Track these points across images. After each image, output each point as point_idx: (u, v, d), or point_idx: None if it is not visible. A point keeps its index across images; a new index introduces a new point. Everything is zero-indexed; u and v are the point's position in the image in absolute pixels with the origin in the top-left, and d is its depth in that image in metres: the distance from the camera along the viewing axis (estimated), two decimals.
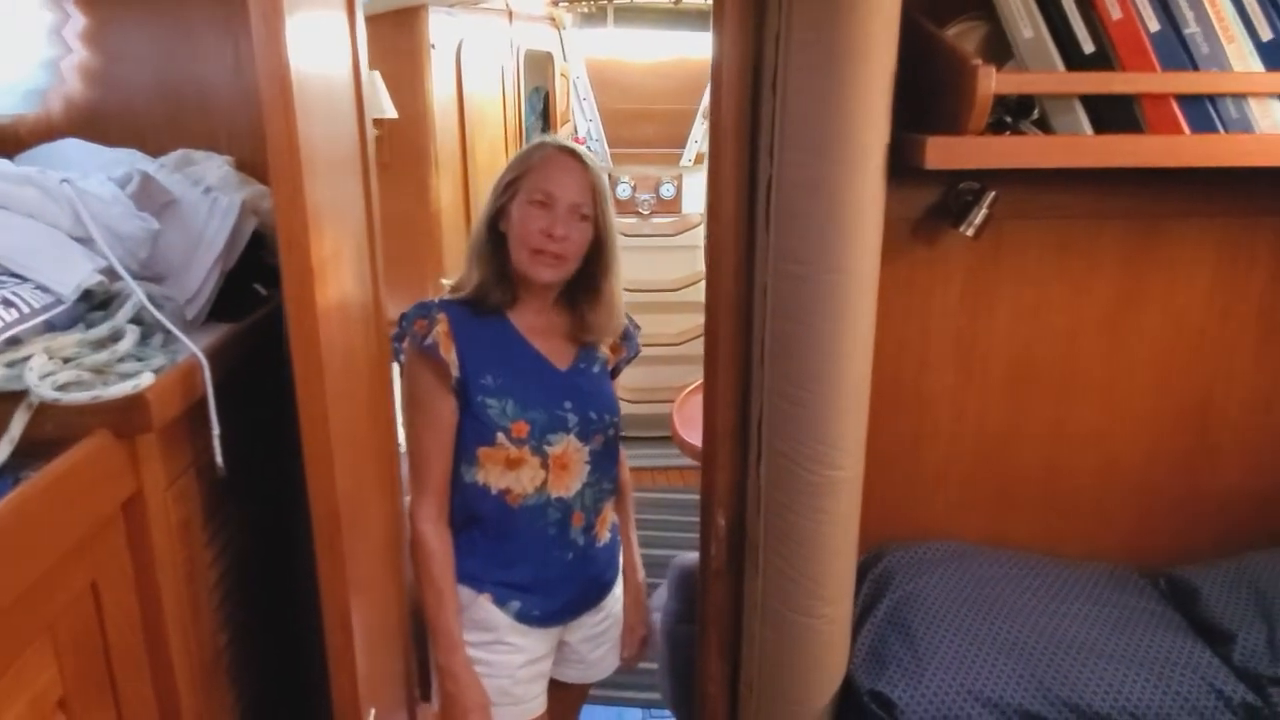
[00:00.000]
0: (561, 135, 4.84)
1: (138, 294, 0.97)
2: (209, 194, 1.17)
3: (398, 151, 3.30)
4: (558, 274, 1.47)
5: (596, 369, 1.60)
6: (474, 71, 3.72)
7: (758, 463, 1.45)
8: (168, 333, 0.99)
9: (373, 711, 1.16)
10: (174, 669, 0.97)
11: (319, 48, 1.11)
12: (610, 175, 5.11)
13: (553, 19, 4.64)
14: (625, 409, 4.79)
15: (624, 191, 4.99)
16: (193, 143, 1.40)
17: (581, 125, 5.01)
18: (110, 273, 0.99)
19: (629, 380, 4.65)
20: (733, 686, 1.67)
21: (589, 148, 5.05)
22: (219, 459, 1.00)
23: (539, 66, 4.64)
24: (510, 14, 4.11)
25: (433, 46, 3.29)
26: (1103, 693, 1.40)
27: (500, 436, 1.46)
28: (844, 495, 1.38)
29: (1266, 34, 1.28)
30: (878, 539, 1.73)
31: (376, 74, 3.11)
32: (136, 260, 1.05)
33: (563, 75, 4.81)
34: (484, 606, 1.52)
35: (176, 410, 0.97)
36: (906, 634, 1.51)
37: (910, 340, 1.67)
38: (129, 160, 1.22)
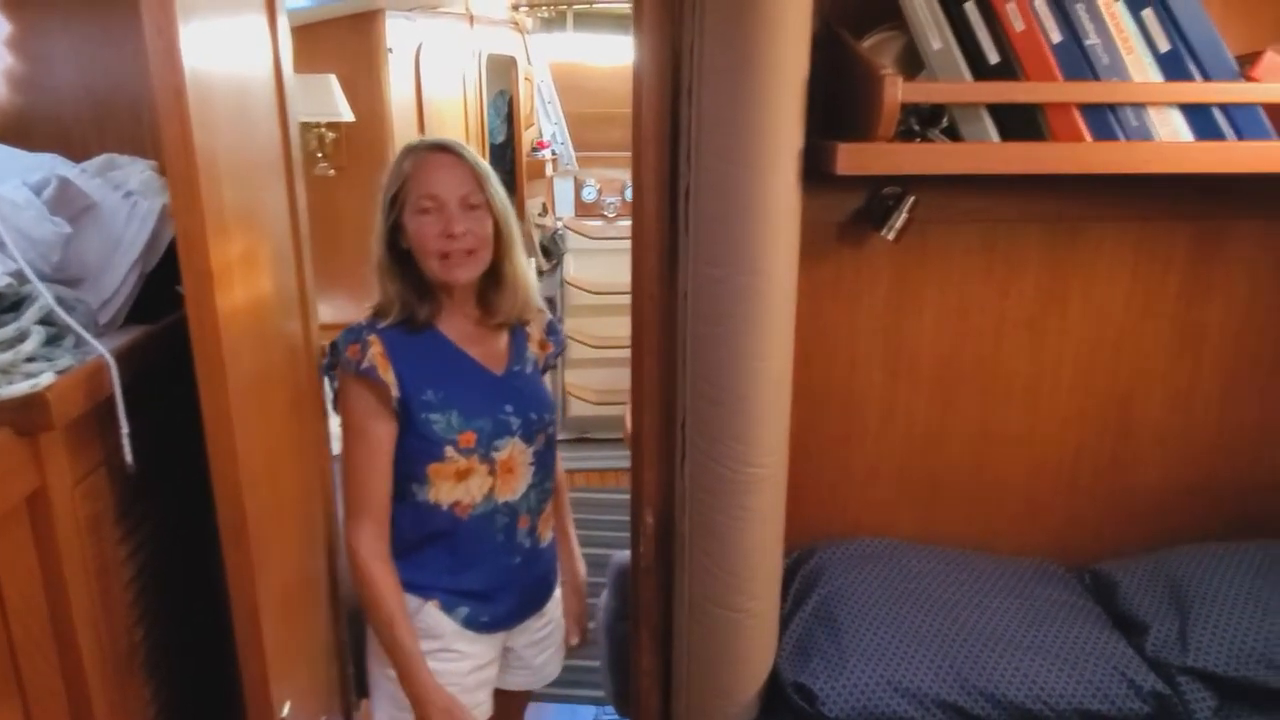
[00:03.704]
0: (526, 138, 4.86)
1: (45, 297, 0.99)
2: (129, 198, 1.19)
3: (354, 155, 3.31)
4: (473, 270, 1.46)
5: (530, 369, 1.61)
6: (433, 75, 3.73)
7: (682, 462, 1.48)
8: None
9: (287, 705, 1.18)
10: (83, 662, 0.98)
11: (229, 51, 1.12)
12: (576, 178, 5.13)
13: (515, 23, 4.66)
14: (587, 410, 4.81)
15: (589, 194, 5.02)
16: (119, 147, 1.40)
17: (546, 129, 5.03)
18: (21, 276, 1.00)
19: (591, 382, 4.68)
20: (667, 681, 1.70)
21: (554, 151, 5.08)
22: (128, 457, 1.02)
23: (502, 70, 4.65)
24: (471, 18, 4.12)
25: (390, 50, 3.30)
26: (1018, 683, 1.45)
27: (449, 450, 1.45)
28: (765, 492, 1.41)
29: (1164, 45, 1.33)
30: (810, 536, 1.77)
31: (332, 77, 3.12)
32: (49, 264, 1.07)
33: (527, 79, 4.83)
34: (430, 613, 1.51)
35: (81, 409, 0.98)
36: (832, 628, 1.55)
37: (839, 341, 1.71)
38: (49, 165, 1.23)
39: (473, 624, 1.54)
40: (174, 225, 1.08)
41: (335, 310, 3.41)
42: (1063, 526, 1.83)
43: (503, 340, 1.58)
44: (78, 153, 1.37)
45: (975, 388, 1.75)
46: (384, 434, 1.44)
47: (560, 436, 4.74)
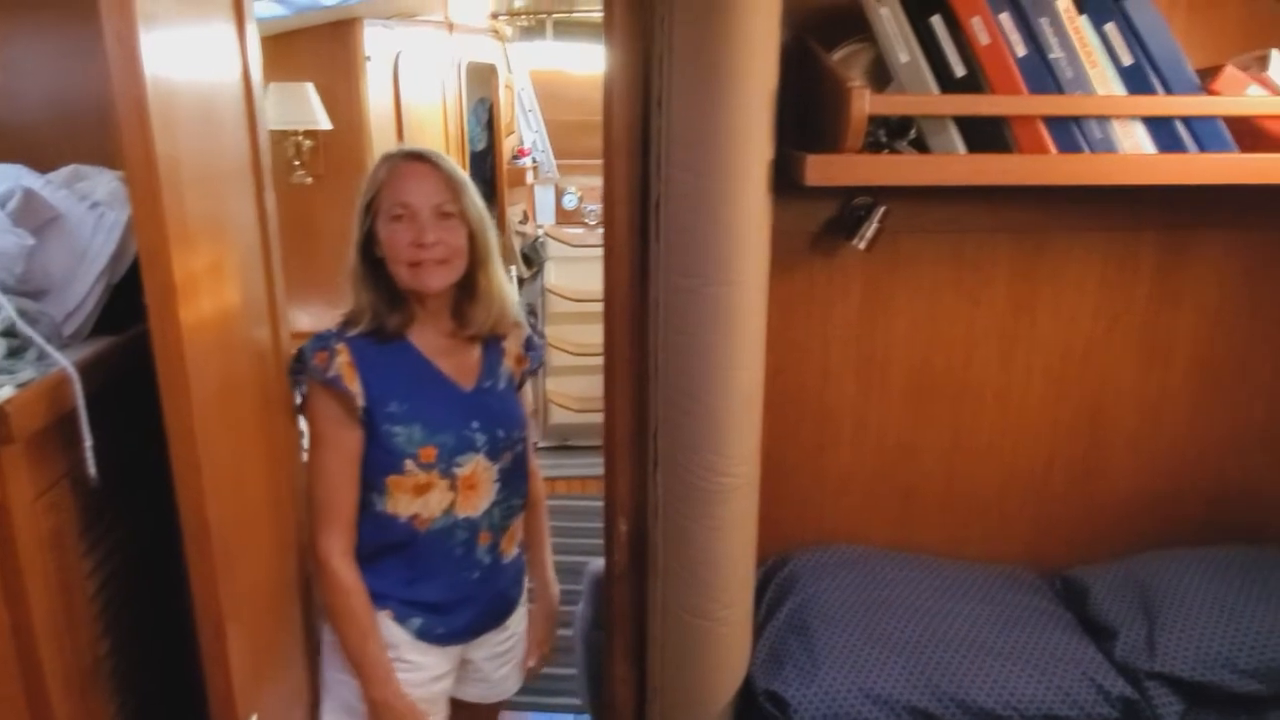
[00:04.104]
0: (507, 146, 4.86)
1: (8, 309, 0.98)
2: (95, 209, 1.18)
3: (332, 163, 3.31)
4: (446, 279, 1.45)
5: (503, 385, 1.59)
6: (412, 83, 3.73)
7: (655, 470, 1.48)
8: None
9: (254, 717, 1.17)
10: (45, 677, 0.97)
11: (195, 58, 1.12)
12: (557, 186, 5.14)
13: (495, 31, 4.66)
14: (568, 418, 4.79)
15: (570, 202, 5.03)
16: (87, 158, 1.38)
17: (527, 137, 5.04)
18: None
19: (572, 389, 4.68)
20: (642, 689, 1.70)
21: (535, 159, 5.08)
22: (91, 470, 1.02)
23: (482, 78, 4.65)
24: (450, 26, 4.13)
25: (368, 58, 3.30)
26: (988, 688, 1.46)
27: (409, 463, 1.44)
28: (737, 501, 1.42)
29: (1127, 59, 1.35)
30: (784, 544, 1.78)
31: (309, 85, 3.12)
32: (12, 275, 1.06)
33: (507, 87, 4.83)
34: (383, 622, 1.49)
35: (42, 422, 0.98)
36: (805, 635, 1.56)
37: (812, 351, 1.72)
38: (14, 176, 1.21)
39: (426, 635, 1.52)
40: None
41: (313, 319, 3.40)
42: (1034, 533, 1.85)
43: (475, 354, 1.56)
44: (44, 163, 1.35)
45: (947, 396, 1.76)
46: (352, 442, 1.43)
47: (541, 444, 4.76)
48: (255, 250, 1.36)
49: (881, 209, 1.51)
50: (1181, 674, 1.47)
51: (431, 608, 1.52)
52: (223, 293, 1.19)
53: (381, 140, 3.42)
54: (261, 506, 1.37)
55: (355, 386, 1.41)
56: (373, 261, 1.46)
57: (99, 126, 1.42)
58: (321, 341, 1.43)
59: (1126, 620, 1.58)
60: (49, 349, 1.00)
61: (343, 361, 1.41)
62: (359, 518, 1.48)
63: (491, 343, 1.58)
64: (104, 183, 1.29)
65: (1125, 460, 1.81)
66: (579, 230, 4.89)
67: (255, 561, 1.31)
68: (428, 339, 1.50)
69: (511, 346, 1.61)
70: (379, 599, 1.50)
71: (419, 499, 1.46)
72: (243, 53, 1.29)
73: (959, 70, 1.34)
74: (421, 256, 1.40)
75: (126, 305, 1.28)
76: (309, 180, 3.29)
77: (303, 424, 1.55)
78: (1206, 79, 1.38)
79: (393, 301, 1.47)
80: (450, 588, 1.53)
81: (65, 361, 1.01)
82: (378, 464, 1.44)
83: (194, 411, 1.02)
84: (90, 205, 1.20)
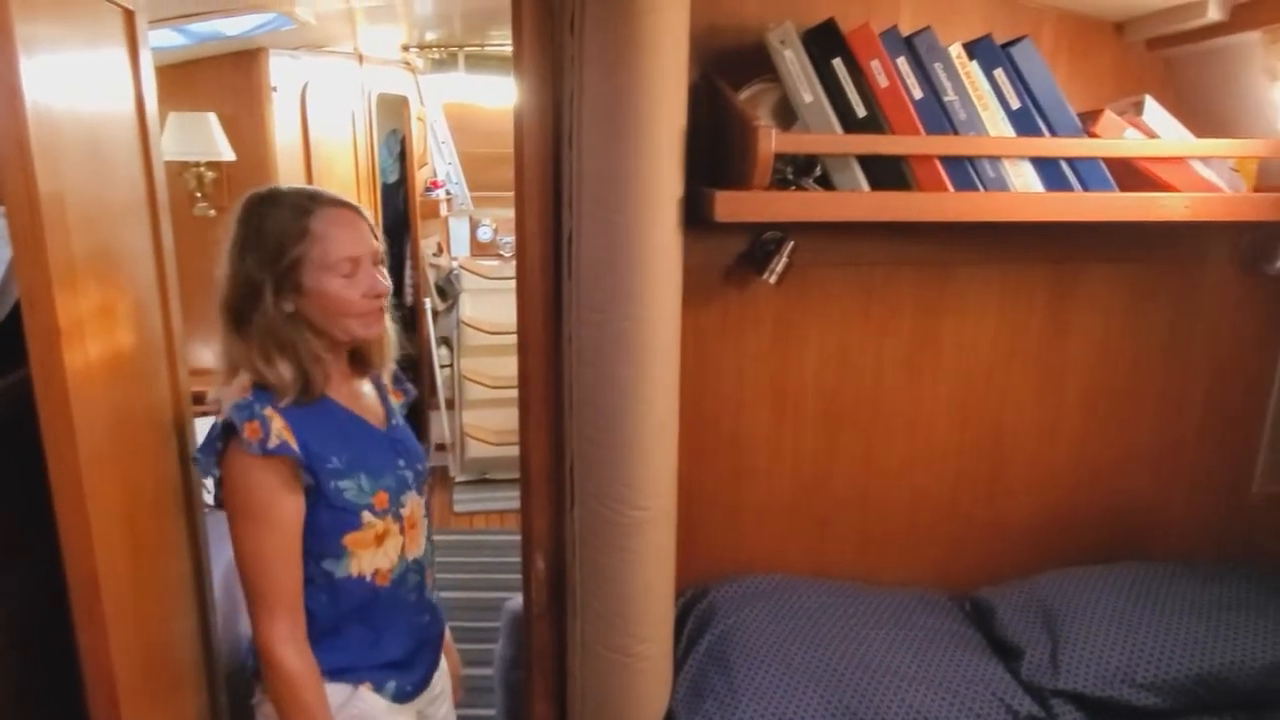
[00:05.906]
0: (420, 178, 4.80)
1: None
2: None
3: (237, 195, 3.16)
4: (383, 323, 1.42)
5: (401, 420, 1.56)
6: (321, 114, 3.67)
7: (571, 506, 1.47)
8: None
9: None
10: None
11: (83, 89, 1.07)
12: (471, 218, 5.09)
13: (407, 63, 4.63)
14: (485, 451, 4.70)
15: (485, 234, 4.99)
16: None
17: (441, 169, 4.99)
18: None
19: (489, 422, 4.62)
20: None
21: (449, 191, 5.04)
22: None
23: (394, 110, 4.61)
24: (360, 58, 4.08)
25: (274, 89, 3.23)
26: (903, 713, 1.48)
27: (366, 515, 1.37)
28: (651, 534, 1.42)
29: (1015, 103, 1.43)
30: (704, 575, 1.78)
31: (211, 115, 3.03)
32: None
33: (419, 119, 4.79)
34: (364, 697, 1.41)
35: None
36: (725, 667, 1.56)
37: (726, 382, 1.75)
38: None
39: (400, 696, 1.46)
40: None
41: (217, 353, 3.29)
42: (945, 555, 1.90)
43: (372, 393, 1.52)
44: None
45: (858, 424, 1.81)
46: (293, 511, 1.33)
47: (459, 478, 4.67)
48: (152, 286, 1.30)
49: (790, 244, 1.55)
50: (1084, 690, 1.52)
51: (396, 665, 1.45)
52: (114, 333, 1.13)
53: (288, 172, 3.34)
54: (156, 555, 1.30)
55: (298, 450, 1.31)
56: (290, 319, 1.35)
57: None
58: (247, 411, 1.30)
59: (1031, 640, 1.63)
60: None
61: (280, 427, 1.30)
62: (310, 593, 1.38)
63: (376, 379, 1.54)
64: None
65: (1025, 482, 1.89)
66: (494, 262, 4.85)
67: (149, 616, 1.24)
68: (338, 387, 1.44)
69: (387, 381, 1.58)
70: (352, 673, 1.41)
71: (380, 550, 1.39)
72: (136, 82, 1.24)
73: (860, 111, 1.39)
74: (374, 306, 1.36)
75: (11, 347, 1.21)
76: (212, 213, 3.18)
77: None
78: (1087, 122, 1.46)
79: (316, 359, 1.38)
80: (410, 637, 1.48)
81: None
82: (330, 527, 1.36)
83: (81, 460, 0.96)
84: None
